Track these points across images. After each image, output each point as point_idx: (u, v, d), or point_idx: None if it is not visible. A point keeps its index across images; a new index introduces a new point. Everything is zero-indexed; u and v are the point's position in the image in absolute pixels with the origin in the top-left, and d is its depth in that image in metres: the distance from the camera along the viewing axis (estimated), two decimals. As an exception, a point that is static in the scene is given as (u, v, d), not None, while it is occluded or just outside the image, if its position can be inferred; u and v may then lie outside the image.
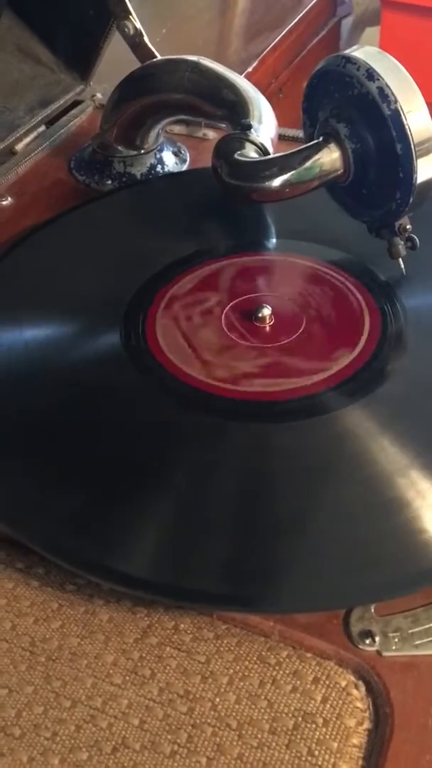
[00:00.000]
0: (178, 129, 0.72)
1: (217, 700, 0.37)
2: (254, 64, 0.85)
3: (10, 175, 0.68)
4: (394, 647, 0.39)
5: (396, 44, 1.10)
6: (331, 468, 0.44)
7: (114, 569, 0.40)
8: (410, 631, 0.39)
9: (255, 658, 0.39)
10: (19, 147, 0.71)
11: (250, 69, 0.85)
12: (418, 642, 0.39)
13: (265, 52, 0.89)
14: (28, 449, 0.45)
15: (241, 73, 0.86)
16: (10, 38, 0.74)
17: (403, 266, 0.51)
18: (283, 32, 0.93)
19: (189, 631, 0.40)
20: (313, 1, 1.01)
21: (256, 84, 0.69)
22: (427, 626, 0.39)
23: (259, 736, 0.36)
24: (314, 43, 1.01)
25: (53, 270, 0.58)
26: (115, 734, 0.37)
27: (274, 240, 0.59)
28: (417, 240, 0.50)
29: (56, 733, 0.37)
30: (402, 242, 0.50)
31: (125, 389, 0.48)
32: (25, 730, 0.37)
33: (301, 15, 0.98)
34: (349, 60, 0.46)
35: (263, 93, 0.60)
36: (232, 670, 0.38)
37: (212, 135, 0.71)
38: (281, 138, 0.67)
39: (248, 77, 0.86)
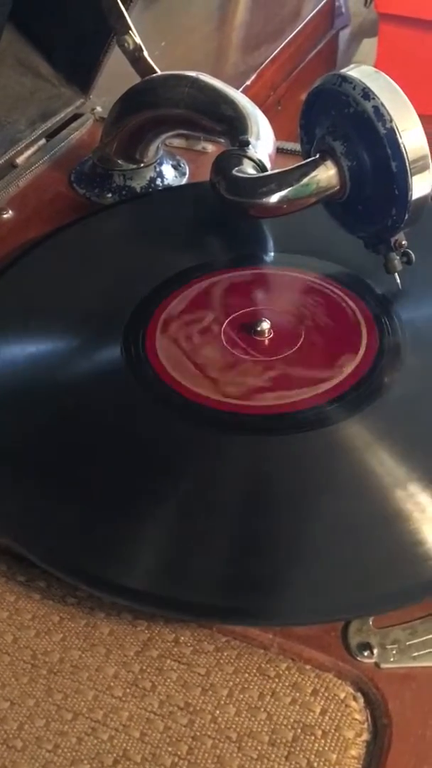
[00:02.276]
0: (177, 142, 0.73)
1: (217, 712, 0.38)
2: (252, 77, 0.86)
3: (11, 189, 0.69)
4: (392, 659, 0.39)
5: (393, 56, 1.11)
6: (330, 480, 0.44)
7: (114, 582, 0.40)
8: (408, 643, 0.40)
9: (255, 671, 0.39)
10: (19, 160, 0.71)
11: (248, 82, 0.85)
12: (415, 654, 0.39)
13: (263, 65, 0.89)
14: (29, 463, 0.46)
15: (239, 86, 0.86)
16: (11, 52, 0.75)
17: (399, 281, 0.52)
18: (282, 45, 0.94)
19: (189, 644, 0.40)
20: (311, 14, 1.02)
21: (255, 97, 0.69)
22: (425, 638, 0.40)
23: (259, 748, 0.37)
24: (312, 56, 1.02)
25: (53, 284, 0.58)
26: (116, 746, 0.37)
27: (272, 253, 0.59)
28: (413, 255, 0.51)
29: (58, 745, 0.37)
30: (398, 257, 0.51)
31: (125, 403, 0.48)
32: (27, 743, 0.37)
33: (299, 28, 0.98)
34: (345, 79, 0.47)
35: (261, 106, 0.61)
36: (231, 683, 0.39)
37: (211, 148, 0.72)
38: (279, 151, 0.68)
39: (247, 90, 0.87)
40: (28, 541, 0.42)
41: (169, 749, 0.37)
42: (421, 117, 0.47)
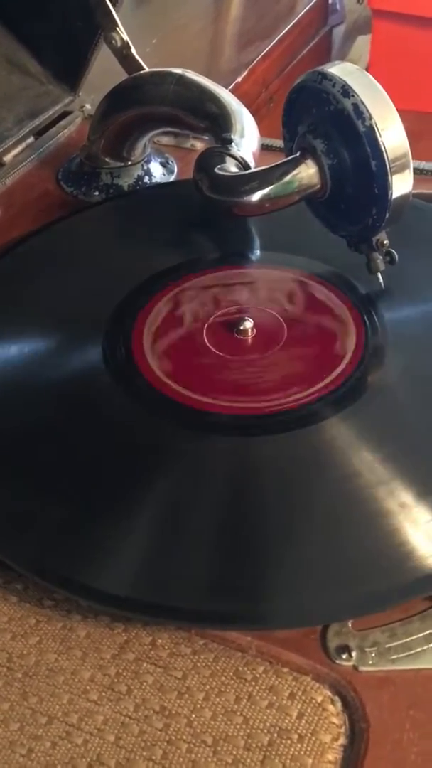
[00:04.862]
0: (166, 140, 0.73)
1: (193, 716, 0.37)
2: (244, 74, 0.85)
3: (-2, 187, 0.69)
4: (370, 662, 0.39)
5: (387, 52, 1.11)
6: (311, 482, 0.44)
7: (90, 587, 0.40)
8: (387, 646, 0.39)
9: (231, 674, 0.39)
10: (7, 158, 0.71)
11: (239, 79, 0.84)
12: (394, 657, 0.39)
13: (255, 62, 0.88)
14: (5, 466, 0.45)
15: (231, 83, 0.86)
16: (-1, 50, 0.75)
17: (382, 280, 0.51)
18: (274, 41, 0.93)
19: (166, 647, 0.40)
20: (305, 10, 1.01)
21: (247, 93, 0.68)
22: (404, 641, 0.39)
23: (234, 752, 0.36)
24: (305, 52, 1.01)
25: (38, 282, 0.58)
26: (90, 751, 0.37)
27: (259, 252, 0.59)
28: (396, 254, 0.50)
29: (32, 749, 0.37)
30: (380, 257, 0.50)
31: (106, 404, 0.48)
32: (0, 747, 0.37)
33: (292, 23, 0.97)
34: (325, 76, 0.46)
35: (253, 103, 0.60)
36: (208, 686, 0.38)
37: (200, 146, 0.71)
38: (271, 149, 0.67)
39: (238, 87, 0.86)
40: (3, 544, 0.42)
41: (144, 753, 0.37)
42: (415, 113, 0.46)
